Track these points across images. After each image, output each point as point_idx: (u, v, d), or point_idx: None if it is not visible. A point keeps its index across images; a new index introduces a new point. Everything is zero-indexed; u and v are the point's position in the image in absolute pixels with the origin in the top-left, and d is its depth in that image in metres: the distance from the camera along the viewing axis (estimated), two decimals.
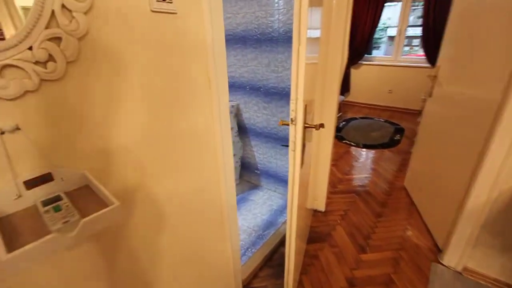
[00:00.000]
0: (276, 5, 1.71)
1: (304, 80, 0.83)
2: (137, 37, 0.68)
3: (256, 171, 2.40)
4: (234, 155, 2.30)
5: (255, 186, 2.44)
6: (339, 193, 2.38)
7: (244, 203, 2.21)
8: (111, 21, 0.62)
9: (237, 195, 2.34)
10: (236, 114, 2.24)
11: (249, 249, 1.70)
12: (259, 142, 2.25)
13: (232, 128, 2.20)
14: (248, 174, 2.50)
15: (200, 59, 0.84)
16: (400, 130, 3.84)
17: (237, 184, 2.50)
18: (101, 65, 0.63)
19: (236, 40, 2.01)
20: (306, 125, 0.91)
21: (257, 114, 2.15)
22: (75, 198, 0.58)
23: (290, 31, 1.71)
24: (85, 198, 0.60)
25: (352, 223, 1.99)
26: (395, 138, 3.58)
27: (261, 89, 2.03)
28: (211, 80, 0.87)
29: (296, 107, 0.87)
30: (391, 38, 7.30)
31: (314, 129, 0.96)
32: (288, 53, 1.77)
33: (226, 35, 2.05)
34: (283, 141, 2.07)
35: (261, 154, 2.28)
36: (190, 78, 0.83)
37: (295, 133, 0.90)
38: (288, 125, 0.91)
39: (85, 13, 0.56)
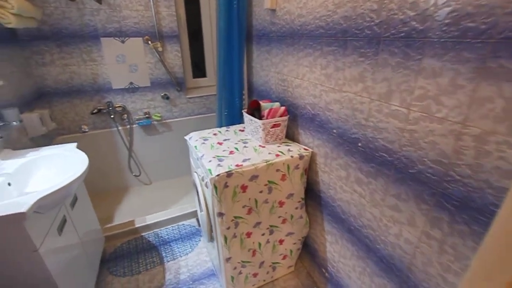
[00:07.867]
0: None
1: None
2: None
3: (323, 270, 1.35)
4: (292, 233, 1.34)
5: None
6: None
7: None
8: None
9: None
10: (304, 168, 1.26)
11: None
12: (337, 232, 1.19)
13: (292, 194, 1.24)
14: (312, 268, 1.48)
15: None
16: None
17: (291, 272, 1.53)
18: None
19: (330, 38, 1.01)
20: None
21: (343, 185, 1.09)
22: None
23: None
24: None
25: None
26: None
27: (359, 144, 0.96)
28: None
29: None
30: None
31: None
32: (453, 75, 0.63)
33: (314, 28, 1.08)
34: (387, 266, 0.94)
35: (337, 253, 1.21)
36: None
37: None
38: None
39: None
